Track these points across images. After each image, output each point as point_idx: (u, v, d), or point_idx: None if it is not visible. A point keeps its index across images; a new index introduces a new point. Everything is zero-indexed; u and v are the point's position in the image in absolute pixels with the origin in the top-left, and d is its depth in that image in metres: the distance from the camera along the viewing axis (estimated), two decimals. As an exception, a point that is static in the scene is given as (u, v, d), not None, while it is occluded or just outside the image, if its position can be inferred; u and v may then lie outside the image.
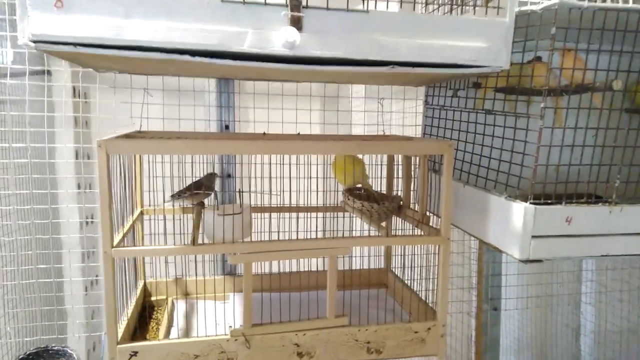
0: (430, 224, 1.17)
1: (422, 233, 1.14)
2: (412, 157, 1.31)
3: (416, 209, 1.26)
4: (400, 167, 1.39)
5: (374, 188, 1.37)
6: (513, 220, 1.00)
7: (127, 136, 1.01)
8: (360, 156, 1.38)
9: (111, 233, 0.92)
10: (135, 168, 1.26)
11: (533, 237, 0.98)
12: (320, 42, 0.85)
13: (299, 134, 1.18)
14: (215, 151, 0.92)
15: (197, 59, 0.84)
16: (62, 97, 1.70)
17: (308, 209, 1.33)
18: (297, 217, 1.36)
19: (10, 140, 1.42)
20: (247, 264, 0.97)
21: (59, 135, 1.58)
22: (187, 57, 0.84)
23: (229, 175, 1.34)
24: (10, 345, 1.44)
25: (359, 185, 1.39)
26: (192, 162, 1.18)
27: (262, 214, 1.32)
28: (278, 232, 1.30)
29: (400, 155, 1.35)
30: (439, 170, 1.35)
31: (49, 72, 1.84)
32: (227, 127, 1.35)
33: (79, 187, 1.72)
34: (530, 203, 0.97)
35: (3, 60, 1.48)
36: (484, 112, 1.16)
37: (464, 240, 1.68)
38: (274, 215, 1.34)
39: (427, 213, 1.20)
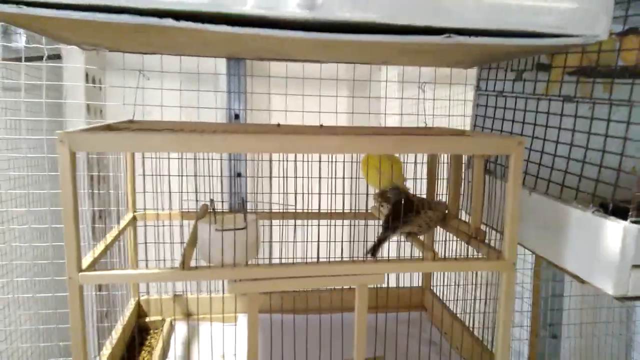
0: (485, 239, 0.93)
1: (478, 253, 0.90)
2: (463, 155, 1.06)
3: (466, 220, 1.01)
4: (444, 166, 1.14)
5: (412, 192, 1.13)
6: (605, 244, 0.75)
7: (104, 128, 0.80)
8: (396, 154, 1.14)
9: (77, 253, 0.71)
10: (127, 164, 1.05)
11: (634, 266, 0.73)
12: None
13: (321, 126, 0.94)
14: (208, 148, 0.70)
15: (183, 23, 0.62)
16: (74, 82, 1.53)
17: (331, 216, 1.10)
18: (319, 225, 1.14)
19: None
20: (253, 297, 0.75)
21: (71, 125, 1.40)
22: (169, 22, 0.62)
23: (238, 175, 1.13)
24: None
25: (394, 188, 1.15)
26: (194, 159, 0.96)
27: (276, 220, 1.10)
28: (295, 241, 1.08)
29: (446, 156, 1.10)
30: (494, 171, 1.09)
31: (58, 56, 1.67)
32: (237, 116, 1.13)
33: (91, 180, 1.54)
34: (632, 222, 0.72)
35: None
36: (560, 99, 0.90)
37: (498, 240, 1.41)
38: (290, 221, 1.12)
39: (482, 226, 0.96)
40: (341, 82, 1.21)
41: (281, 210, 1.05)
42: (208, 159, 1.05)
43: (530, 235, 0.93)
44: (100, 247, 0.83)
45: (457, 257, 0.82)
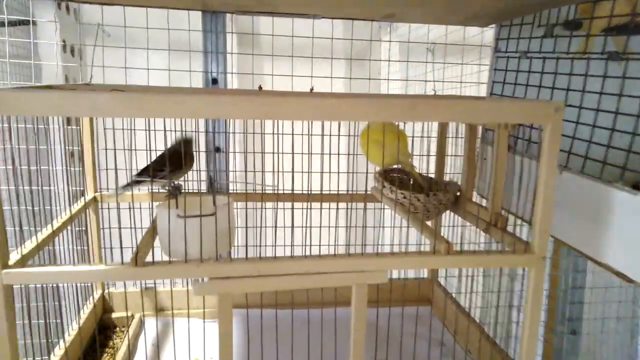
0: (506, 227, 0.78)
1: (500, 245, 0.75)
2: (477, 128, 0.90)
3: (482, 204, 0.86)
4: (456, 141, 0.99)
5: (418, 170, 0.98)
6: (663, 236, 0.60)
7: (41, 88, 0.64)
8: (401, 125, 0.98)
9: (3, 246, 0.56)
10: (82, 137, 0.89)
11: (699, 265, 0.59)
12: None
13: (311, 90, 0.78)
14: (163, 113, 0.54)
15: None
16: (50, 52, 1.36)
17: (324, 197, 0.95)
18: (309, 208, 0.99)
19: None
20: (223, 298, 0.60)
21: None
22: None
23: (218, 149, 0.97)
24: None
25: (398, 166, 1.00)
26: (164, 130, 0.81)
27: (261, 203, 0.95)
28: (280, 226, 0.93)
29: (458, 125, 0.95)
30: (514, 145, 0.94)
31: (33, 23, 1.49)
32: (215, 80, 0.97)
33: (71, 156, 1.38)
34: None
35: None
36: (604, 57, 0.74)
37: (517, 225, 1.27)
38: (276, 205, 0.97)
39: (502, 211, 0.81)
40: (337, 44, 1.04)
41: (261, 192, 0.89)
42: (184, 131, 0.90)
43: (559, 222, 0.78)
44: (41, 236, 0.68)
45: (476, 249, 0.67)
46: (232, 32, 0.98)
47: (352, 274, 0.63)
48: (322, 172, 0.97)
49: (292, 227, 0.85)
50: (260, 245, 0.78)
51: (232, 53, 0.97)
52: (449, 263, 0.66)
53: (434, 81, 0.99)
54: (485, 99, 0.66)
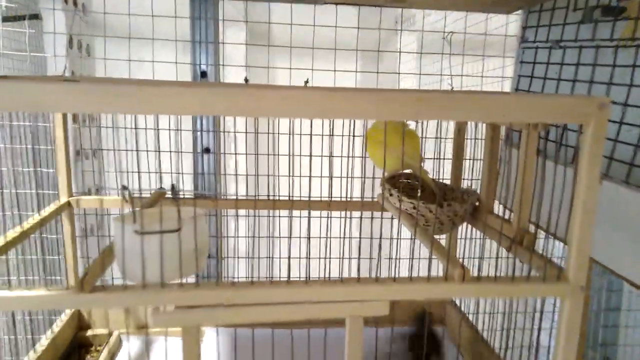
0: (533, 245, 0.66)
1: (521, 264, 0.63)
2: (500, 128, 0.78)
3: (505, 216, 0.74)
4: (475, 143, 0.87)
5: (432, 176, 0.86)
6: None
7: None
8: (411, 125, 0.87)
9: None
10: (54, 134, 0.81)
11: None
12: None
13: (306, 82, 0.68)
14: (123, 107, 0.44)
15: None
16: (56, 47, 1.30)
17: (322, 206, 0.85)
18: (309, 217, 0.89)
19: None
20: (188, 331, 0.50)
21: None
22: None
23: (207, 150, 0.87)
24: None
25: (408, 171, 0.89)
26: (154, 129, 0.72)
27: (253, 211, 0.85)
28: (255, 237, 0.83)
29: (478, 124, 0.83)
30: (544, 149, 0.81)
31: (36, 16, 1.43)
32: (204, 73, 0.87)
33: (78, 155, 1.31)
34: None
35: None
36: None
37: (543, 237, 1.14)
38: (275, 212, 0.87)
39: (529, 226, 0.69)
40: (350, 38, 0.93)
41: (253, 198, 0.79)
42: (171, 130, 0.80)
43: (599, 241, 0.66)
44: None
45: (498, 266, 0.56)
46: (223, 20, 0.87)
47: (346, 304, 0.52)
48: (320, 177, 0.87)
49: (289, 237, 0.75)
50: (254, 257, 0.68)
51: (223, 43, 0.87)
52: (464, 292, 0.54)
53: (450, 75, 0.87)
54: (511, 95, 0.55)
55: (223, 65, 0.86)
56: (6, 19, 1.34)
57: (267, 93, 0.45)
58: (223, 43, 0.87)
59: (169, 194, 0.85)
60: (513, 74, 0.93)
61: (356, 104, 0.47)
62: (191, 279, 0.57)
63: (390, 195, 0.79)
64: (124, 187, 0.59)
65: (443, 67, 1.02)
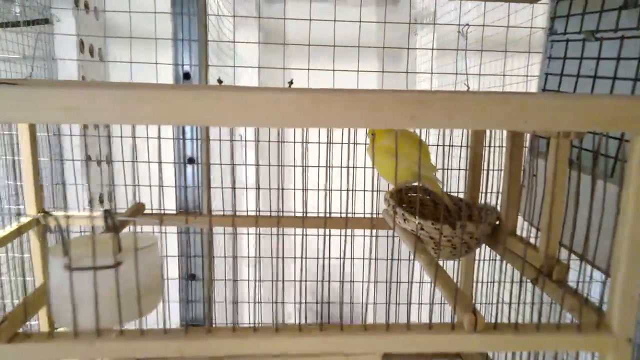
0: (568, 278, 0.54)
1: (551, 303, 0.51)
2: (523, 137, 0.66)
3: (529, 233, 0.63)
4: (494, 151, 0.75)
5: (445, 189, 0.75)
6: None
7: None
8: (416, 132, 0.76)
9: None
10: (22, 144, 0.73)
11: None
12: None
13: (290, 83, 0.58)
14: (86, 118, 0.35)
15: None
16: (66, 52, 1.26)
17: (305, 222, 0.75)
18: (304, 235, 0.79)
19: None
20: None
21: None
22: None
23: (191, 161, 0.78)
24: None
25: (416, 184, 0.78)
26: (132, 137, 0.63)
27: (244, 229, 0.76)
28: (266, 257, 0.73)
29: (499, 133, 0.71)
30: (578, 161, 0.69)
31: (46, 21, 1.39)
32: (187, 75, 0.78)
33: (89, 159, 1.25)
34: None
35: None
36: None
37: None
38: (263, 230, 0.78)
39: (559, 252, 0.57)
40: (361, 33, 0.82)
41: (251, 214, 0.70)
42: (152, 138, 0.72)
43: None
44: None
45: (519, 323, 0.44)
46: (209, 15, 0.79)
47: (327, 358, 0.42)
48: (315, 190, 0.77)
49: (283, 258, 0.66)
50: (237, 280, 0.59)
51: (210, 41, 0.78)
52: (475, 345, 0.43)
53: (466, 74, 0.76)
54: (537, 96, 0.44)
55: (210, 65, 0.77)
56: (15, 24, 1.29)
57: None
58: (234, 42, 0.78)
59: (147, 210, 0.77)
60: (540, 72, 0.81)
61: (336, 109, 0.37)
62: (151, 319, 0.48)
63: (395, 213, 0.68)
64: (107, 212, 0.50)
65: (459, 66, 0.91)
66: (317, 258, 0.79)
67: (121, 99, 0.35)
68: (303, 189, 0.79)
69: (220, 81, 0.57)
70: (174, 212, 0.78)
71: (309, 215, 0.79)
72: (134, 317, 0.42)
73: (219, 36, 1.11)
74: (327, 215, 0.77)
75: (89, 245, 0.42)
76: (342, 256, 0.79)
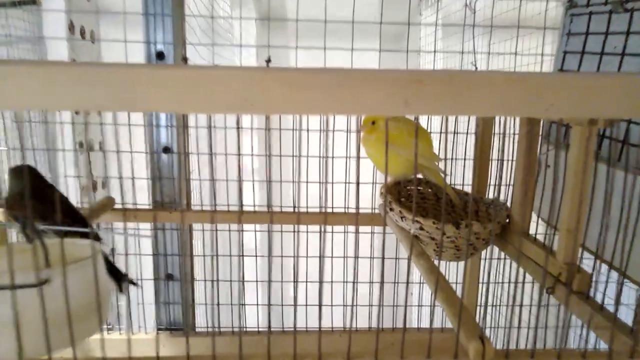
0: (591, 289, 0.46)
1: (569, 315, 0.44)
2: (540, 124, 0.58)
3: (540, 233, 0.55)
4: (499, 137, 0.67)
5: (448, 182, 0.68)
6: None
7: None
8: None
9: None
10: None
11: None
12: None
13: (268, 61, 0.50)
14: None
15: None
16: (55, 34, 1.18)
17: (300, 218, 0.67)
18: (296, 231, 0.71)
19: None
20: None
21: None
22: None
23: (166, 150, 0.70)
24: None
25: (419, 176, 0.70)
26: (99, 124, 0.56)
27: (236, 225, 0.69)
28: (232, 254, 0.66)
29: (512, 119, 0.63)
30: (608, 152, 0.61)
31: (33, 2, 1.31)
32: (160, 55, 0.69)
33: (80, 147, 1.18)
34: None
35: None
36: None
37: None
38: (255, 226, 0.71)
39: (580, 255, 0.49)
40: (364, 14, 0.73)
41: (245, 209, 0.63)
42: (115, 124, 0.64)
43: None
44: None
45: (537, 349, 0.37)
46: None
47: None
48: (305, 182, 0.70)
49: (270, 256, 0.59)
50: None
51: (189, 15, 0.70)
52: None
53: (474, 52, 0.68)
54: (562, 76, 0.35)
55: (191, 44, 0.68)
56: (1, 5, 1.22)
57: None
58: (232, 18, 0.69)
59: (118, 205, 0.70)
60: (557, 50, 0.72)
61: (307, 92, 0.29)
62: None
63: (391, 209, 0.60)
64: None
65: (466, 45, 0.82)
66: (321, 256, 0.72)
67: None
68: (293, 182, 0.71)
69: (185, 59, 0.49)
70: (148, 206, 0.70)
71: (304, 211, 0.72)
72: (64, 345, 0.34)
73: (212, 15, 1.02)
74: (301, 212, 0.70)
75: (13, 256, 0.35)
76: (345, 255, 0.71)
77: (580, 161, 0.45)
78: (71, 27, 1.36)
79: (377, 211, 0.74)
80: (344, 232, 0.73)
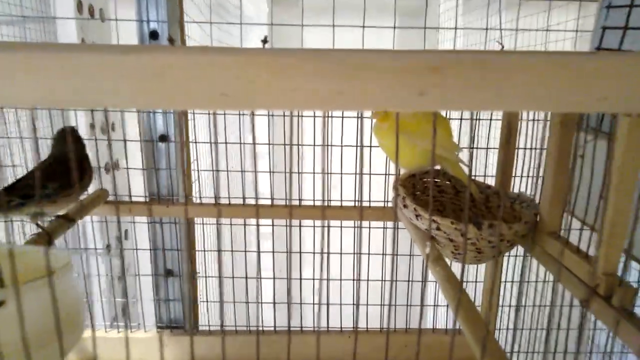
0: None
1: (608, 336, 0.38)
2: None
3: (574, 236, 0.49)
4: (525, 124, 0.60)
5: (471, 175, 0.61)
6: None
7: None
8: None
9: None
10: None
11: None
12: None
13: (265, 41, 0.44)
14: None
15: None
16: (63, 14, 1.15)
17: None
18: (290, 225, 0.66)
19: None
20: None
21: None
22: None
23: (163, 138, 0.65)
24: None
25: (437, 167, 0.64)
26: (90, 110, 0.52)
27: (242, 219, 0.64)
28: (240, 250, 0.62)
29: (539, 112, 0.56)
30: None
31: None
32: (154, 34, 0.64)
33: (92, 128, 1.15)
34: None
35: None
36: None
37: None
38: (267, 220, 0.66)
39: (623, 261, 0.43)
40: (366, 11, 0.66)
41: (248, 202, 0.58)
42: (103, 110, 0.60)
43: None
44: None
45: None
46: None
47: None
48: (313, 173, 0.64)
49: (273, 252, 0.54)
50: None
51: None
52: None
53: (500, 29, 0.60)
54: (621, 58, 0.28)
55: (190, 22, 0.63)
56: None
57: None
58: None
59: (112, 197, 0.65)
60: (594, 26, 0.64)
61: (294, 81, 0.23)
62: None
63: (405, 206, 0.54)
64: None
65: (491, 20, 0.74)
66: (316, 253, 0.67)
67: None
68: (297, 172, 0.66)
69: (171, 40, 0.43)
70: (143, 198, 0.66)
71: (304, 204, 0.67)
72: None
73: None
74: (291, 204, 0.65)
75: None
76: (354, 251, 0.67)
77: (629, 157, 0.39)
78: (79, 6, 1.31)
79: (390, 204, 0.69)
80: (354, 226, 0.67)
